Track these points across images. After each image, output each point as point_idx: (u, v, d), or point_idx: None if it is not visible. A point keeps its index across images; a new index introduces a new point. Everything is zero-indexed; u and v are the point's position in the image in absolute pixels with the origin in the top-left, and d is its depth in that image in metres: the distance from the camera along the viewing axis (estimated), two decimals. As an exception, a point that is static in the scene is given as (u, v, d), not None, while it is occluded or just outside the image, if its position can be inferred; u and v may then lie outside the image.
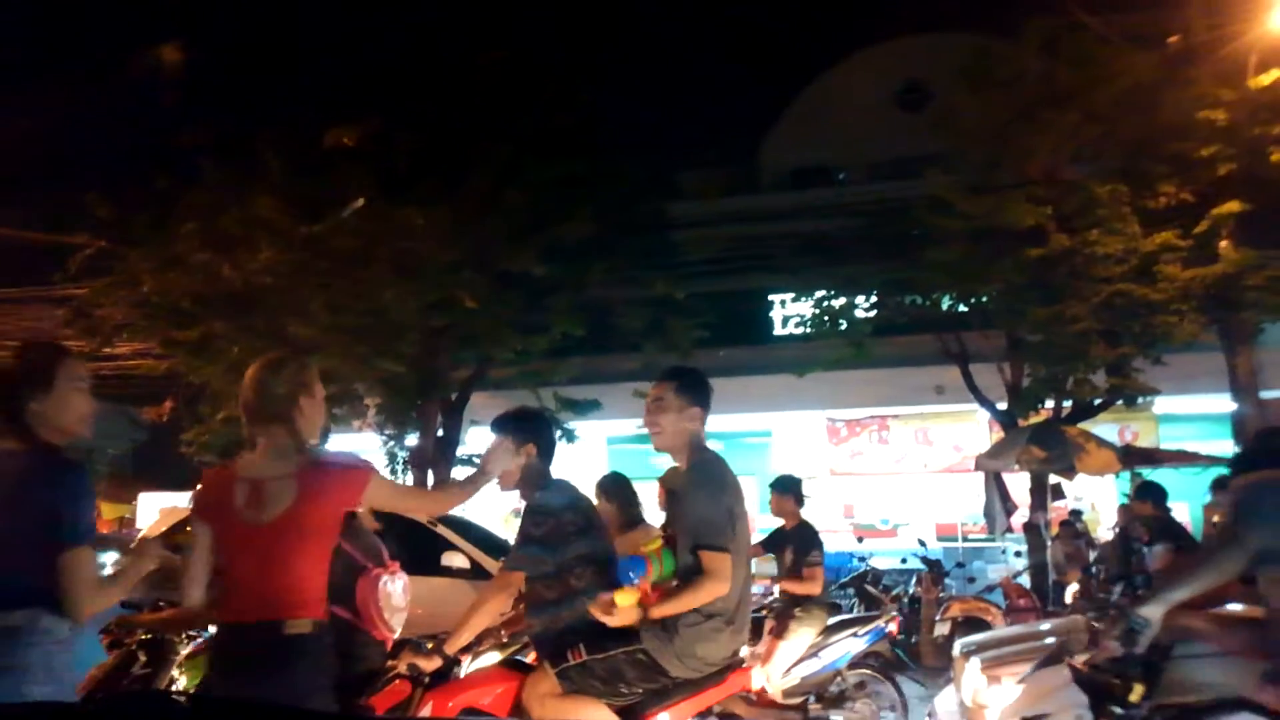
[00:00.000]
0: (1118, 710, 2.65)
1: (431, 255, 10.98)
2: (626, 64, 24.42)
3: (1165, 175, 10.48)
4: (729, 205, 18.24)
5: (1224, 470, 7.24)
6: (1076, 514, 12.40)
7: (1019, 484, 11.62)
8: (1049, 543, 10.96)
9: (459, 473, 13.28)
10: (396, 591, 3.79)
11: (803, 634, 6.13)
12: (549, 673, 3.27)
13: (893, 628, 6.54)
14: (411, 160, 11.53)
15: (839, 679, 6.18)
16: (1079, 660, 3.79)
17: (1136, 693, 2.64)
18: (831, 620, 6.33)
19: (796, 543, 6.40)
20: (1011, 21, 11.24)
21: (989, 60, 11.46)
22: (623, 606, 3.13)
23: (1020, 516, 11.64)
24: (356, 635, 3.66)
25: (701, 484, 3.29)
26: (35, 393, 2.59)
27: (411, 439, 12.97)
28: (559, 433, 13.01)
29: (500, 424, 3.55)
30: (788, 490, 6.72)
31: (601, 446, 16.22)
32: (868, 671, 6.35)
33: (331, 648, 2.83)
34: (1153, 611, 2.60)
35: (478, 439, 13.80)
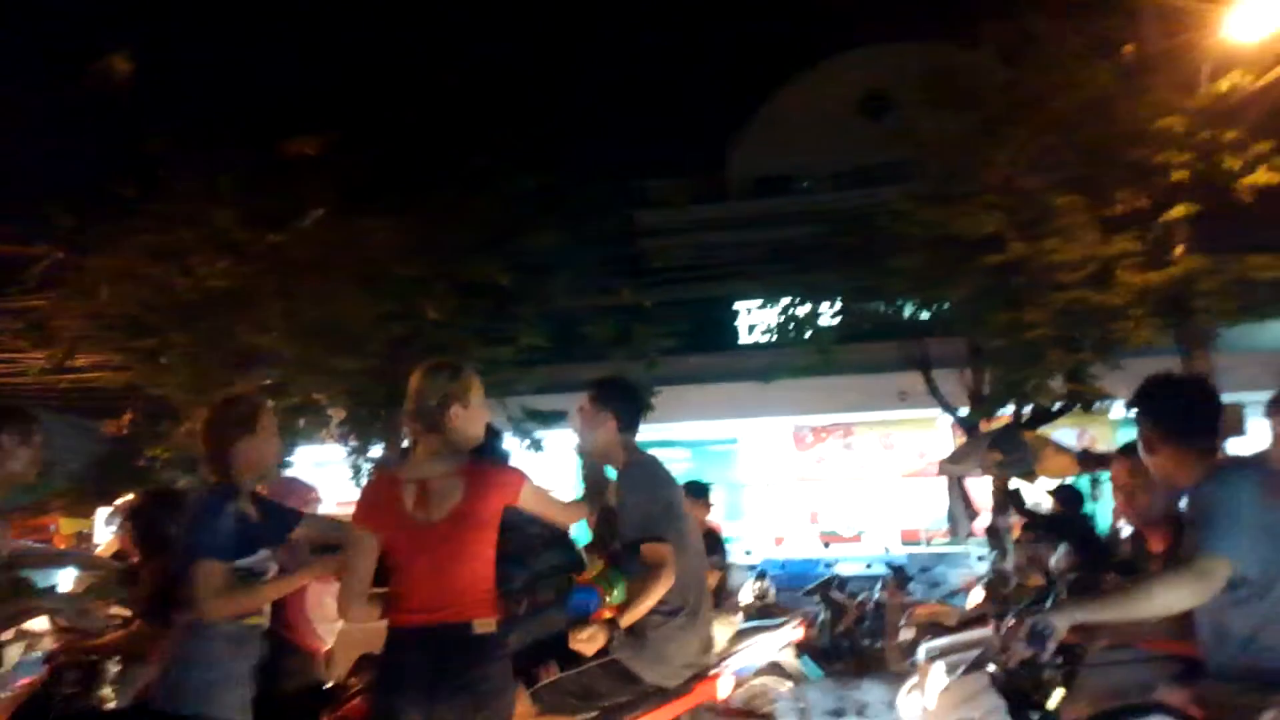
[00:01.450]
0: (1034, 715, 2.61)
1: (393, 265, 10.91)
2: (594, 74, 24.46)
3: (1121, 182, 10.67)
4: (695, 214, 18.33)
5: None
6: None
7: (981, 489, 11.76)
8: (1010, 547, 11.09)
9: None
10: (328, 601, 3.67)
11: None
12: (522, 694, 3.23)
13: (799, 634, 6.51)
14: (376, 171, 11.46)
15: (746, 686, 6.14)
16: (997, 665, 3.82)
17: (1055, 698, 2.60)
18: (742, 626, 6.35)
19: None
20: (972, 32, 11.41)
21: (949, 70, 11.62)
22: (582, 640, 3.15)
23: (983, 521, 11.79)
24: (285, 645, 3.56)
25: (633, 487, 3.39)
26: (242, 435, 3.05)
27: (376, 450, 12.87)
28: (526, 442, 13.00)
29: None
30: (698, 496, 6.52)
31: (570, 456, 16.18)
32: (774, 679, 6.31)
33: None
34: (1061, 620, 2.37)
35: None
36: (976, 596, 8.22)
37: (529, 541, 3.40)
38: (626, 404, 3.58)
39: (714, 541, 6.51)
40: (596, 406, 3.54)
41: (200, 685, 2.87)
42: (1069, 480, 9.28)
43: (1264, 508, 2.29)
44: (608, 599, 3.17)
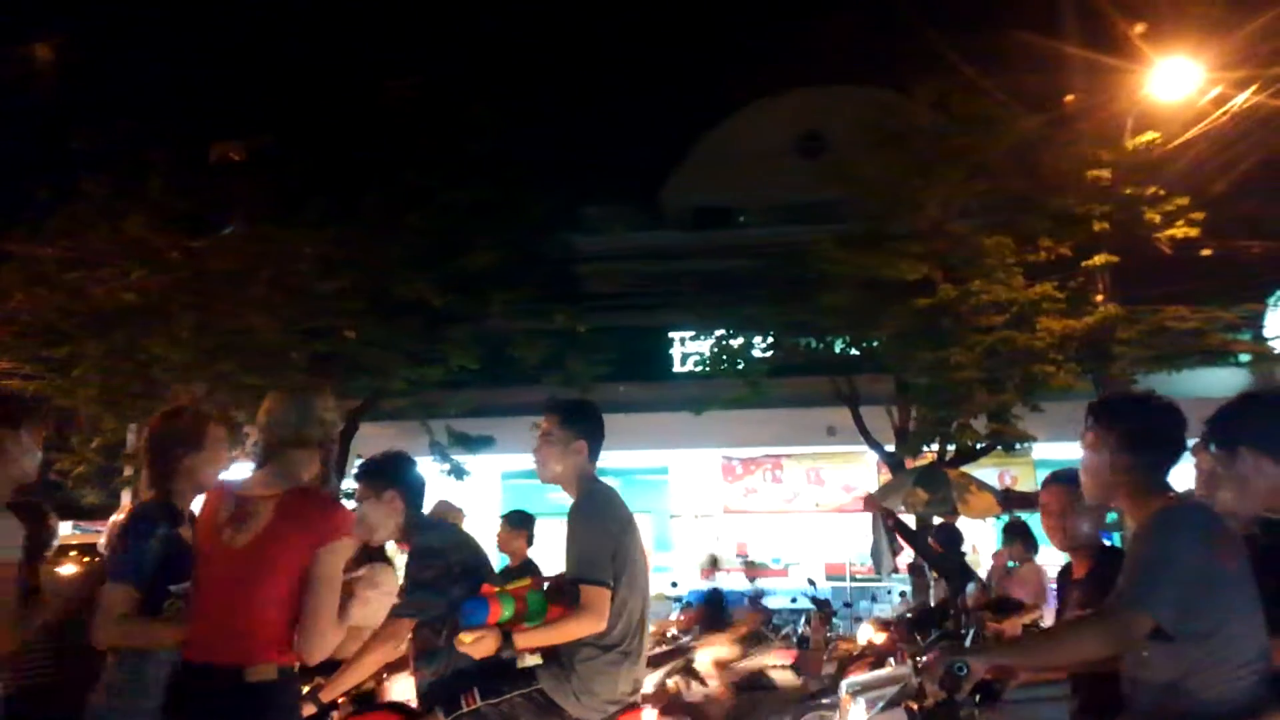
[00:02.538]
0: None
1: (313, 280, 10.63)
2: (534, 97, 24.46)
3: (1046, 230, 10.99)
4: (631, 241, 18.38)
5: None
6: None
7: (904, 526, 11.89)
8: (932, 583, 11.22)
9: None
10: None
11: None
12: None
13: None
14: (304, 180, 11.20)
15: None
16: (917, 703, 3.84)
17: None
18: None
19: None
20: (906, 76, 11.71)
21: (883, 115, 11.87)
22: (466, 644, 3.04)
23: (905, 557, 11.91)
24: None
25: (583, 519, 3.23)
26: (187, 452, 2.93)
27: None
28: (446, 468, 12.72)
29: (359, 475, 3.46)
30: (520, 526, 6.27)
31: (496, 482, 15.97)
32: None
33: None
34: (978, 662, 2.29)
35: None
36: (866, 632, 8.33)
37: (448, 570, 3.29)
38: (596, 427, 3.41)
39: (524, 569, 6.02)
40: (566, 431, 3.34)
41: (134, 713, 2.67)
42: (941, 522, 9.48)
43: (1206, 558, 2.23)
44: (500, 615, 3.05)
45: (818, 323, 12.60)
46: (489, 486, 15.55)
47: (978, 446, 11.71)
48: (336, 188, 11.14)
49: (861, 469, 16.48)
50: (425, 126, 11.59)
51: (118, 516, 3.71)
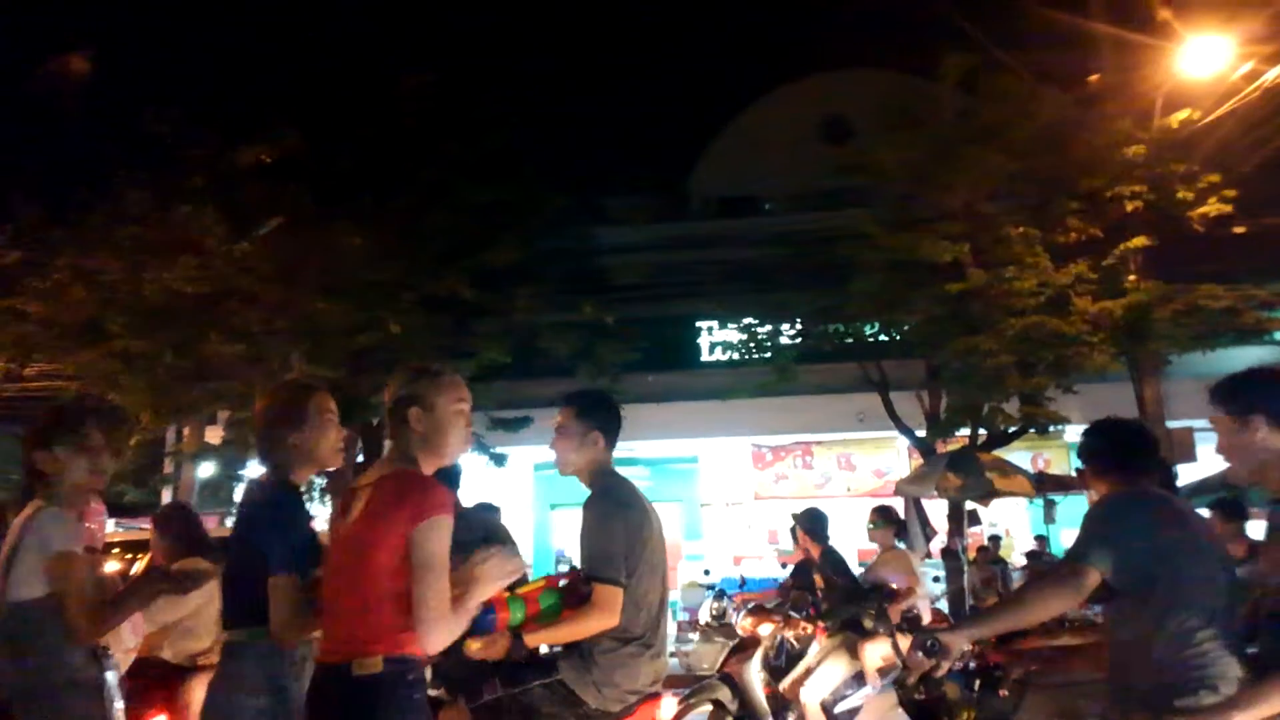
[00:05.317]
0: None
1: (364, 271, 10.77)
2: (556, 90, 24.50)
3: (1075, 211, 10.88)
4: (658, 232, 18.39)
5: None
6: (994, 540, 12.72)
7: (937, 510, 11.87)
8: (966, 568, 11.21)
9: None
10: (124, 630, 3.44)
11: None
12: (463, 710, 3.18)
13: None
14: (335, 181, 11.33)
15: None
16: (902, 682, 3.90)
17: (965, 718, 2.66)
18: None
19: None
20: (931, 60, 11.61)
21: (908, 98, 11.80)
22: (474, 650, 3.04)
23: (939, 542, 11.89)
24: None
25: (597, 514, 3.20)
26: (291, 428, 2.76)
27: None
28: (487, 458, 12.88)
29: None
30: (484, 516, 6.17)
31: (528, 472, 16.10)
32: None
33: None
34: (953, 639, 2.44)
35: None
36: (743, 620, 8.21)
37: (467, 549, 3.33)
38: (612, 418, 3.36)
39: None
40: (582, 423, 3.30)
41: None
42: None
43: (1150, 527, 2.52)
44: (508, 620, 3.01)
45: (846, 308, 12.58)
46: (522, 477, 15.68)
47: (1010, 430, 11.66)
48: (364, 188, 11.25)
49: (892, 455, 16.44)
50: (443, 123, 11.66)
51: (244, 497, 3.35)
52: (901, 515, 6.97)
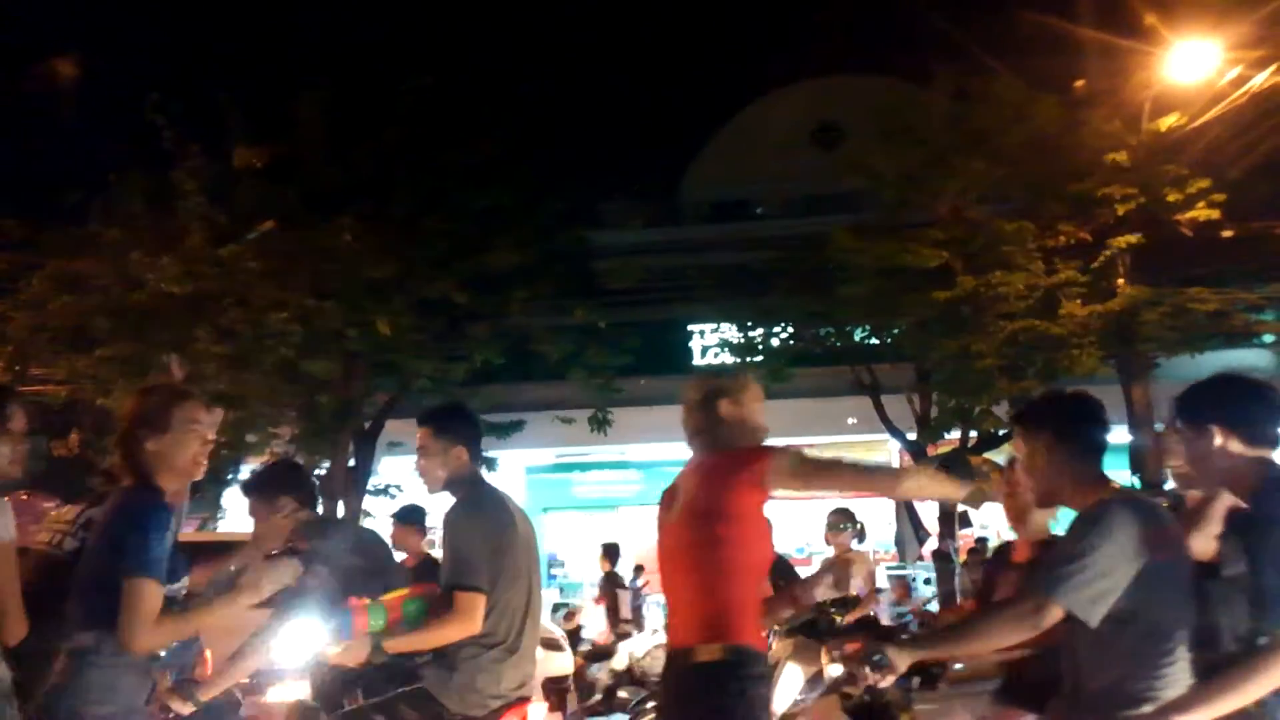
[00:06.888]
0: None
1: (362, 270, 10.78)
2: (550, 95, 24.55)
3: (1065, 215, 10.95)
4: (650, 236, 18.44)
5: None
6: (983, 541, 12.77)
7: (928, 512, 11.92)
8: (957, 570, 11.26)
9: (370, 502, 13.03)
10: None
11: None
12: None
13: None
14: (330, 185, 11.33)
15: None
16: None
17: None
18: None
19: (417, 580, 6.11)
20: (921, 64, 11.70)
21: (899, 103, 11.86)
22: (333, 655, 3.09)
23: (931, 544, 11.94)
24: None
25: (458, 522, 3.24)
26: (151, 434, 2.66)
27: (322, 467, 12.67)
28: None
29: (247, 487, 3.52)
30: (410, 521, 5.95)
31: (520, 475, 16.11)
32: None
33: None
34: (900, 657, 2.29)
35: (391, 467, 13.59)
36: None
37: (348, 574, 3.34)
38: (471, 429, 3.40)
39: (433, 571, 6.08)
40: (441, 440, 3.32)
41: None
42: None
43: (1141, 551, 2.26)
44: (367, 626, 3.08)
45: (836, 313, 12.64)
46: (513, 480, 15.70)
47: (1000, 433, 11.72)
48: (360, 193, 11.25)
49: (883, 458, 16.50)
50: (438, 127, 11.67)
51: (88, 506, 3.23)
52: (893, 518, 7.01)
